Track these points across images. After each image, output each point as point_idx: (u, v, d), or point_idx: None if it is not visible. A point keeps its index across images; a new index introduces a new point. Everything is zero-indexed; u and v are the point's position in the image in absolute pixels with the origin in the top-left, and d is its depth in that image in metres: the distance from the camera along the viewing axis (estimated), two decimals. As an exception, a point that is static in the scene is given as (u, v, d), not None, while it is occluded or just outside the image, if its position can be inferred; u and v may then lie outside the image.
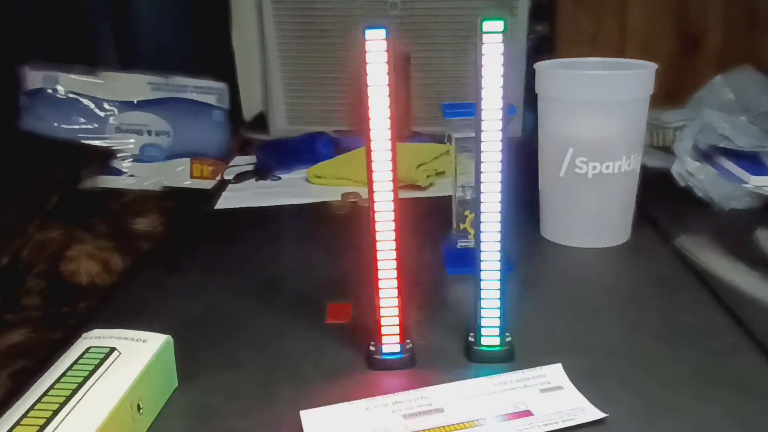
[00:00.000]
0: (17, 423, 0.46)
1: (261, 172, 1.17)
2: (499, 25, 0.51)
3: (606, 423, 0.52)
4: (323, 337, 0.65)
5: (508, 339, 0.61)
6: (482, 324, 0.60)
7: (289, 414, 0.53)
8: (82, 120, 1.25)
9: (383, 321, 0.59)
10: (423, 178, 1.07)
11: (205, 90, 1.32)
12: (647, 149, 0.94)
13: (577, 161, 0.80)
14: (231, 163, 1.26)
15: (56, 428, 0.46)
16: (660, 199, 0.94)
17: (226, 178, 1.17)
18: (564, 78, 0.81)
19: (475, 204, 0.58)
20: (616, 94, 0.79)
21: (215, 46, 1.41)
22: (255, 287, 0.76)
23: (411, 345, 0.60)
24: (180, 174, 1.29)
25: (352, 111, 1.35)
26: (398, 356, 0.60)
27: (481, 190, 0.57)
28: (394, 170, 0.55)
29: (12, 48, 1.29)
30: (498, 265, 0.59)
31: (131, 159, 1.27)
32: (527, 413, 0.53)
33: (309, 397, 0.55)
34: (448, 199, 0.79)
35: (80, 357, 0.53)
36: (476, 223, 0.58)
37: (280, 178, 1.15)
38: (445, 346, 0.63)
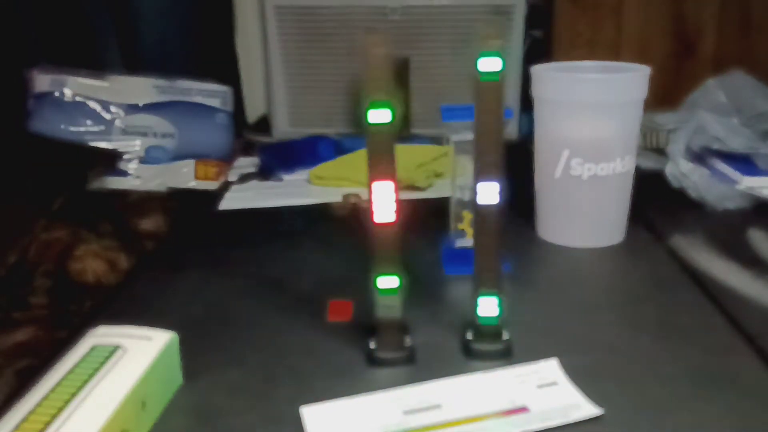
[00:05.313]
0: (23, 420, 0.46)
1: (264, 173, 1.18)
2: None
3: (603, 421, 0.52)
4: (324, 335, 0.66)
5: (506, 337, 0.62)
6: (480, 322, 0.61)
7: (290, 410, 0.54)
8: (89, 122, 1.25)
9: (383, 319, 0.60)
10: (422, 179, 1.08)
11: (209, 93, 1.32)
12: (641, 151, 0.95)
13: (572, 163, 0.81)
14: (234, 165, 1.26)
15: (62, 425, 0.46)
16: (654, 200, 0.95)
17: (229, 179, 1.18)
18: (559, 81, 0.82)
19: (472, 204, 0.59)
20: (611, 97, 0.80)
21: (219, 50, 1.42)
22: (257, 286, 0.77)
23: (410, 343, 0.61)
24: (184, 175, 1.29)
25: (352, 113, 1.36)
26: (398, 354, 0.61)
27: (478, 190, 0.58)
28: (394, 171, 0.56)
29: (19, 52, 1.29)
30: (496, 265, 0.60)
31: (137, 160, 1.28)
32: (524, 409, 0.53)
33: (310, 393, 0.56)
34: (447, 200, 0.80)
35: (86, 355, 0.54)
36: (474, 223, 0.59)
37: (282, 179, 1.16)
38: (443, 344, 0.63)
